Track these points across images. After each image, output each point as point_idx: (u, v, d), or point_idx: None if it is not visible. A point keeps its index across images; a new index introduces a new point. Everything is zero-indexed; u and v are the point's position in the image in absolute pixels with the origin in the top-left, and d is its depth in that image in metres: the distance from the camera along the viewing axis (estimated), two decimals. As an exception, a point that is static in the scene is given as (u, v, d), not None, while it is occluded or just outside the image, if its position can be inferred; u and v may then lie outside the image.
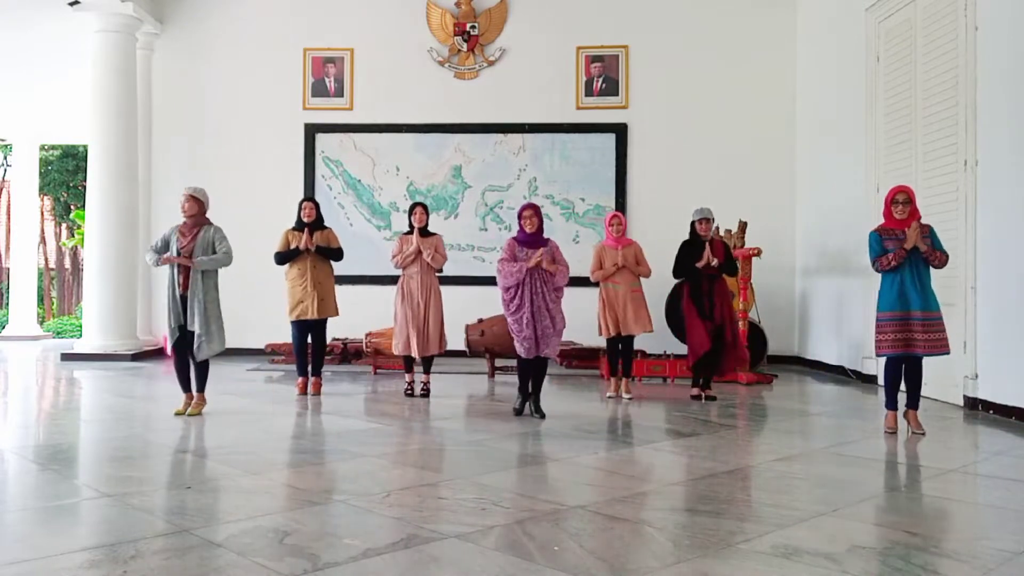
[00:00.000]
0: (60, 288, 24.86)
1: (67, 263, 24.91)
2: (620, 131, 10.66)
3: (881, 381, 7.97)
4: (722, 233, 9.34)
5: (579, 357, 8.98)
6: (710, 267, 6.87)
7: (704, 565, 2.86)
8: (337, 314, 7.24)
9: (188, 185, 6.22)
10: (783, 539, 3.12)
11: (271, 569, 2.75)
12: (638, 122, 10.68)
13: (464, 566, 2.80)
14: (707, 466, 4.46)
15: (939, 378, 7.02)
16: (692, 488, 3.97)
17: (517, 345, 5.95)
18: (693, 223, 7.05)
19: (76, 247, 21.66)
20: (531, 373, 6.05)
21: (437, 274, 7.02)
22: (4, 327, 16.41)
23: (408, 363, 7.10)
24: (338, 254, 7.26)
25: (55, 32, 10.94)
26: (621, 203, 10.62)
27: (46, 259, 24.18)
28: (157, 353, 10.35)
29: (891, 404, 5.54)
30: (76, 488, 3.97)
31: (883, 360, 5.63)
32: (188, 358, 5.97)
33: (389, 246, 8.20)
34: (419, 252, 6.89)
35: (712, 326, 6.87)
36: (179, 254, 5.85)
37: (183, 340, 5.91)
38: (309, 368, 7.20)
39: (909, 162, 7.54)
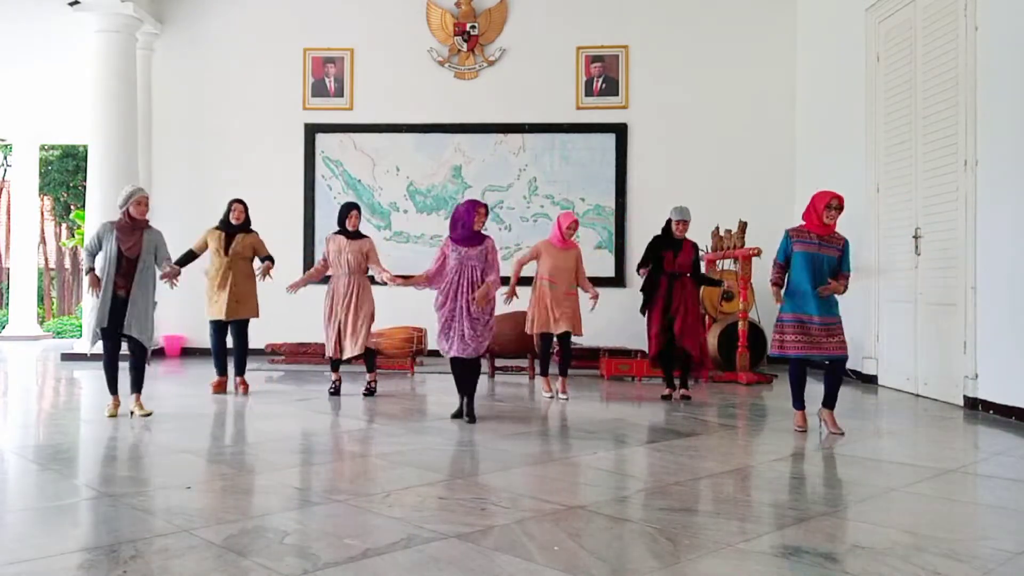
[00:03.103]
0: (60, 288, 24.86)
1: (67, 263, 24.91)
2: (620, 131, 10.67)
3: (882, 381, 8.00)
4: (722, 233, 9.35)
5: (577, 357, 8.96)
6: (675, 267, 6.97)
7: (704, 565, 2.86)
8: (256, 315, 7.20)
9: (139, 186, 6.09)
10: (783, 539, 3.12)
11: (271, 569, 2.75)
12: (638, 122, 10.69)
13: (464, 566, 2.80)
14: (707, 466, 4.46)
15: (939, 378, 7.02)
16: (692, 488, 3.96)
17: (439, 344, 5.86)
18: (669, 221, 7.01)
19: (76, 247, 21.65)
20: (463, 374, 5.92)
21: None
22: (4, 327, 16.41)
23: (334, 364, 7.14)
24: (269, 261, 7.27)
25: (55, 32, 10.94)
26: (621, 203, 10.63)
27: (46, 259, 24.18)
28: (156, 353, 10.34)
29: (798, 404, 5.54)
30: (76, 488, 3.97)
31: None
32: (117, 359, 5.87)
33: (388, 247, 8.24)
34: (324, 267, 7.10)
35: (666, 325, 6.86)
36: (120, 253, 5.68)
37: (111, 341, 5.79)
38: (251, 367, 7.39)
39: (909, 162, 7.54)
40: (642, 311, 7.13)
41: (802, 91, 10.41)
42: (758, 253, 8.46)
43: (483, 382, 8.26)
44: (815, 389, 8.17)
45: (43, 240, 22.99)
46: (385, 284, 6.58)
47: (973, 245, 6.53)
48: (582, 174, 10.69)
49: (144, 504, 3.57)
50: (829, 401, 5.42)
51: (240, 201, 7.27)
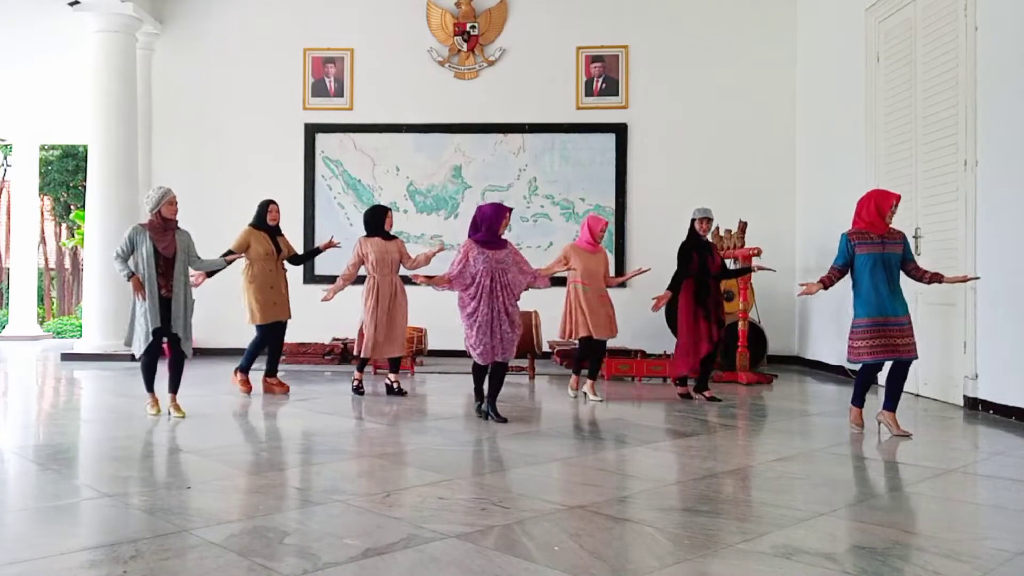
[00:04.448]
0: (60, 288, 24.86)
1: (67, 263, 24.91)
2: (620, 131, 10.66)
3: (882, 381, 7.97)
4: (722, 233, 9.35)
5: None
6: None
7: (704, 565, 2.86)
8: None
9: (167, 186, 6.06)
10: (783, 539, 3.12)
11: (271, 569, 2.75)
12: (638, 122, 10.69)
13: (464, 566, 2.80)
14: (707, 466, 4.45)
15: (939, 378, 7.02)
16: (692, 488, 3.96)
17: (471, 350, 5.75)
18: (692, 222, 7.03)
19: (76, 247, 21.66)
20: (485, 377, 5.93)
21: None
22: (4, 327, 16.42)
23: (363, 363, 7.20)
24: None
25: (55, 32, 10.94)
26: (621, 203, 10.63)
27: (46, 259, 24.18)
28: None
29: (858, 401, 5.57)
30: (76, 488, 3.97)
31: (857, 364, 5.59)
32: (157, 360, 5.93)
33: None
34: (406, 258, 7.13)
35: (713, 329, 6.86)
36: (157, 254, 5.72)
37: (157, 343, 5.83)
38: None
39: (909, 162, 7.54)
40: (673, 289, 6.93)
41: (802, 91, 10.41)
42: (758, 253, 8.46)
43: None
44: (818, 390, 8.21)
45: (43, 240, 22.99)
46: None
47: (973, 245, 6.53)
48: (582, 174, 10.69)
49: (144, 504, 3.57)
50: (892, 403, 5.38)
51: (275, 202, 7.30)
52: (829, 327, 9.46)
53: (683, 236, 7.10)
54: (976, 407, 6.47)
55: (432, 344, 9.53)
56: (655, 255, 7.36)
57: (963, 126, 6.65)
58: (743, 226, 9.16)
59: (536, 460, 4.63)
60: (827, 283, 5.48)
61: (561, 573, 2.74)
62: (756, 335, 8.98)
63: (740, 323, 8.47)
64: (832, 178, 9.45)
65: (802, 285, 5.59)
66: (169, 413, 5.91)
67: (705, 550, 3.00)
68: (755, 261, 8.09)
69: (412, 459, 4.64)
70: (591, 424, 5.99)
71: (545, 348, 9.12)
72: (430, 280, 5.81)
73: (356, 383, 7.18)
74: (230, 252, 6.90)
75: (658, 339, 9.17)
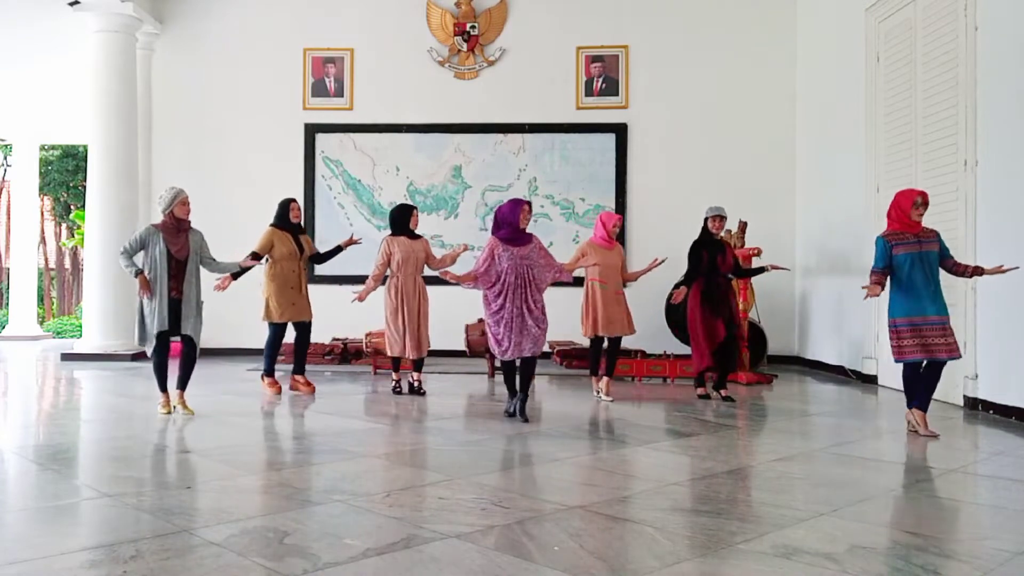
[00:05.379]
0: (60, 288, 24.86)
1: (67, 263, 24.91)
2: (620, 131, 10.66)
3: (882, 381, 7.99)
4: (722, 233, 9.34)
5: (579, 357, 8.96)
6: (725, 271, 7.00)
7: (704, 565, 2.86)
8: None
9: (179, 187, 6.05)
10: (783, 539, 3.12)
11: (271, 569, 2.75)
12: (638, 122, 10.69)
13: (464, 566, 2.80)
14: (707, 466, 4.45)
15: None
16: (692, 488, 3.96)
17: (494, 347, 5.78)
18: (705, 220, 7.02)
19: (76, 247, 21.66)
20: (516, 373, 5.94)
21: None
22: (4, 327, 16.42)
23: (396, 362, 7.24)
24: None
25: (55, 32, 10.94)
26: (621, 203, 10.62)
27: (46, 259, 24.18)
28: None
29: (914, 403, 5.44)
30: (76, 488, 3.97)
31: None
32: (167, 360, 5.94)
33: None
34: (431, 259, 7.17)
35: (723, 327, 6.86)
36: (170, 255, 5.73)
37: (164, 343, 5.85)
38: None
39: (909, 162, 7.54)
40: (688, 286, 6.94)
41: (802, 91, 10.41)
42: (758, 253, 8.45)
43: (483, 383, 8.27)
44: (818, 390, 8.20)
45: (43, 240, 22.99)
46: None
47: (973, 245, 6.52)
48: (582, 174, 10.69)
49: (144, 504, 3.57)
50: (923, 404, 5.35)
51: (296, 200, 7.28)
52: (829, 327, 9.46)
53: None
54: (976, 407, 6.47)
55: (432, 344, 9.49)
56: (655, 255, 7.34)
57: (963, 126, 6.65)
58: (743, 226, 9.15)
59: (536, 460, 4.63)
60: (879, 284, 5.41)
61: (561, 573, 2.74)
62: (756, 335, 8.98)
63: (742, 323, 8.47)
64: (832, 178, 9.45)
65: (864, 288, 5.45)
66: (175, 408, 5.92)
67: (705, 550, 3.00)
68: (765, 261, 8.07)
69: (412, 459, 4.64)
70: (591, 424, 5.99)
71: (545, 348, 9.10)
72: (458, 278, 5.84)
73: (395, 383, 7.23)
74: (255, 254, 6.91)
75: (658, 339, 9.17)
